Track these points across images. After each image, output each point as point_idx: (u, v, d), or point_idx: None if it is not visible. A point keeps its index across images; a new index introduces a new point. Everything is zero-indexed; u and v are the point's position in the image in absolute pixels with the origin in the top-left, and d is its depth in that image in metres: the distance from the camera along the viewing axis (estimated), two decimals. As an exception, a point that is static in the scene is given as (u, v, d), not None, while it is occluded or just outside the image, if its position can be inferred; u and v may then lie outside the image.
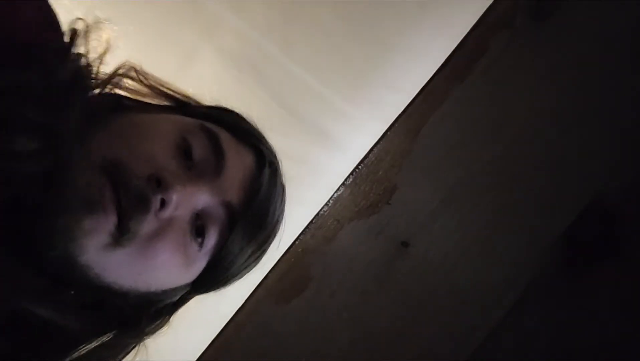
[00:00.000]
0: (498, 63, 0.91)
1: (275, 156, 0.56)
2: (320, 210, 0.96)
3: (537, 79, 0.92)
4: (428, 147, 0.94)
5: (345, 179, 0.95)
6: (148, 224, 0.42)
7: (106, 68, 0.51)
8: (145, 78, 0.54)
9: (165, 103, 0.54)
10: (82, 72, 0.46)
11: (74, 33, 0.47)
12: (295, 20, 0.89)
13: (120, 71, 0.52)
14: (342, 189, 0.95)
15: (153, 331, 0.51)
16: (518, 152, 0.94)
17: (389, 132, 0.94)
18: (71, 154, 0.40)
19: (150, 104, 0.53)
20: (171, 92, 0.55)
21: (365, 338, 0.99)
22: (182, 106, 0.54)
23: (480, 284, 0.97)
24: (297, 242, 0.97)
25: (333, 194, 0.96)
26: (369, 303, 0.98)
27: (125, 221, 0.41)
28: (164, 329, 0.52)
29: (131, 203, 0.41)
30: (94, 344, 0.45)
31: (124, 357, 0.49)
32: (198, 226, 0.46)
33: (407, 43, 0.91)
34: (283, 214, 0.55)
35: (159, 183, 0.42)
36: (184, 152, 0.46)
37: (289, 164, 0.97)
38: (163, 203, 0.42)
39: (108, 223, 0.40)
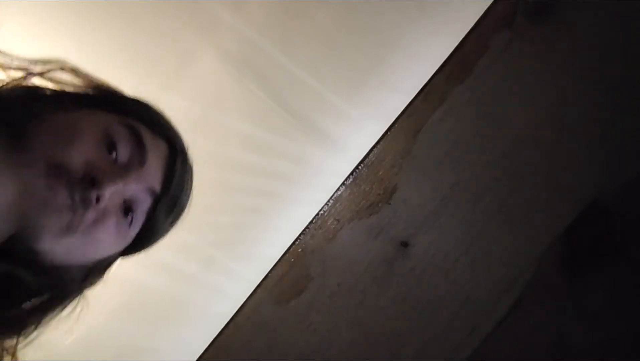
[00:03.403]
0: (498, 63, 0.91)
1: (183, 143, 0.65)
2: (320, 210, 0.96)
3: (536, 79, 0.92)
4: (428, 147, 0.94)
5: (345, 179, 0.95)
6: (88, 216, 0.52)
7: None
8: (72, 70, 0.62)
9: (86, 95, 0.62)
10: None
11: None
12: (295, 21, 0.89)
13: (45, 67, 0.60)
14: (342, 189, 0.95)
15: (90, 286, 0.61)
16: (518, 152, 0.94)
17: (389, 132, 0.94)
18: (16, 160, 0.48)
19: (72, 100, 0.60)
20: (93, 85, 0.63)
21: (365, 338, 0.99)
22: (102, 100, 0.62)
23: (480, 284, 0.97)
24: (297, 242, 0.97)
25: (333, 194, 0.96)
26: (368, 303, 0.98)
27: (72, 217, 0.51)
28: (99, 284, 0.62)
29: (75, 202, 0.50)
30: (40, 300, 0.56)
31: (64, 309, 0.59)
32: (126, 207, 0.56)
33: (407, 43, 0.91)
34: (192, 189, 0.66)
35: (93, 181, 0.51)
36: (110, 147, 0.55)
37: (289, 164, 0.98)
38: (98, 199, 0.52)
39: (61, 219, 0.50)
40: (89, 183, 0.51)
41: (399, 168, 0.94)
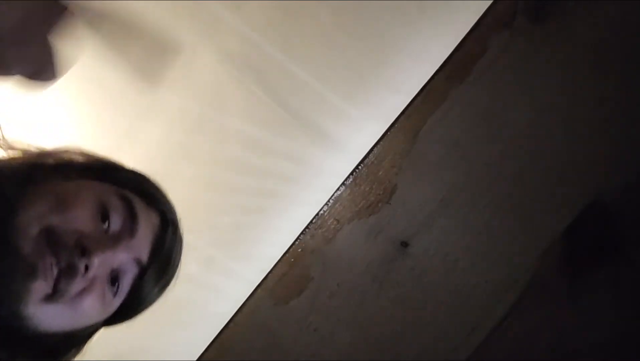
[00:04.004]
0: (497, 63, 0.91)
1: (175, 215, 0.66)
2: (320, 210, 0.96)
3: (536, 79, 0.92)
4: (428, 148, 0.94)
5: (345, 179, 0.95)
6: (76, 285, 0.52)
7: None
8: (72, 152, 0.64)
9: (85, 166, 0.64)
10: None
11: None
12: (295, 21, 0.89)
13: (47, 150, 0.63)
14: (342, 189, 0.96)
15: (71, 355, 0.61)
16: (518, 152, 0.94)
17: (389, 132, 0.94)
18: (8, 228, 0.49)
19: (71, 170, 0.62)
20: (93, 159, 0.65)
21: (365, 338, 1.00)
22: (100, 171, 0.63)
23: (480, 284, 0.97)
24: (297, 242, 0.97)
25: (333, 194, 0.96)
26: (368, 303, 0.98)
27: (59, 284, 0.51)
28: (78, 356, 0.62)
29: (63, 269, 0.51)
30: None
31: None
32: (113, 277, 0.57)
33: (407, 43, 0.91)
34: (180, 259, 0.67)
35: (83, 251, 0.52)
36: (103, 217, 0.56)
37: (289, 164, 0.98)
38: (87, 268, 0.52)
39: (48, 285, 0.50)
40: (79, 251, 0.52)
41: (399, 168, 0.94)
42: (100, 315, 0.58)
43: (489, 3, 0.90)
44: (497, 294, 0.97)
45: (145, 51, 0.82)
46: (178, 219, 0.67)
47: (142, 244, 0.59)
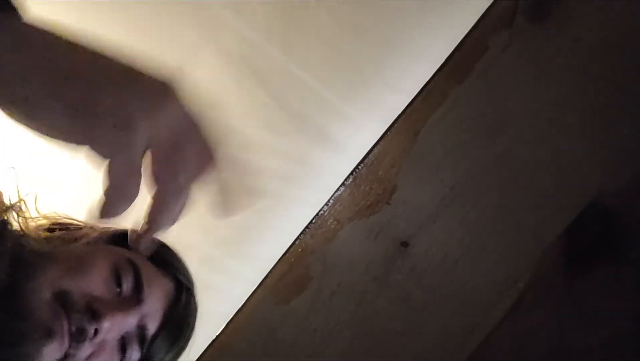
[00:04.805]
0: (497, 63, 0.91)
1: (191, 282, 0.67)
2: (320, 210, 0.96)
3: (536, 80, 0.92)
4: (428, 148, 0.94)
5: (345, 179, 0.95)
6: (84, 350, 0.53)
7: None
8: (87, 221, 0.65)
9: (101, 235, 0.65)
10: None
11: None
12: (295, 21, 0.89)
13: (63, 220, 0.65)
14: (342, 189, 0.96)
15: None
16: (518, 152, 0.94)
17: (389, 132, 0.94)
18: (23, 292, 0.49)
19: (86, 235, 0.63)
20: (106, 229, 0.65)
21: (365, 338, 1.00)
22: (115, 236, 0.64)
23: (480, 284, 0.97)
24: (297, 242, 0.97)
25: (333, 194, 0.96)
26: (368, 303, 0.98)
27: (69, 348, 0.51)
28: None
29: (73, 333, 0.51)
30: None
31: None
32: (123, 344, 0.57)
33: (407, 43, 0.91)
34: (195, 325, 0.68)
35: (93, 314, 0.52)
36: (117, 280, 0.57)
37: (289, 165, 0.98)
38: (96, 331, 0.53)
39: (61, 348, 0.50)
40: (89, 315, 0.52)
41: (399, 168, 0.94)
42: None
43: (489, 3, 0.90)
44: (497, 294, 0.97)
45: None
46: (194, 287, 0.67)
47: (152, 311, 0.60)
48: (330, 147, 0.95)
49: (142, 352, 0.59)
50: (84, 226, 0.65)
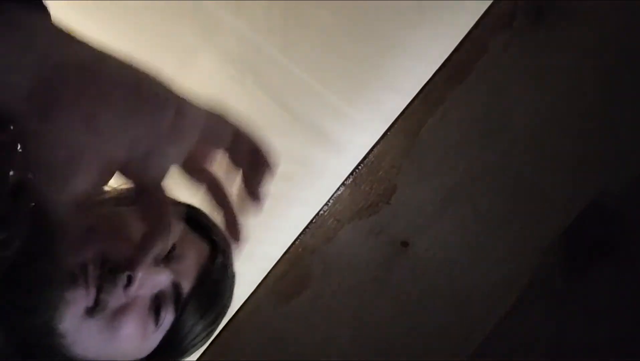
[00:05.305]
0: (497, 64, 0.91)
1: (228, 246, 0.64)
2: (320, 210, 0.96)
3: (536, 80, 0.92)
4: (428, 148, 0.94)
5: (345, 179, 0.95)
6: (116, 298, 0.50)
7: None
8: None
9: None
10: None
11: None
12: (295, 21, 0.89)
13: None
14: (342, 189, 0.96)
15: None
16: (518, 153, 0.94)
17: (389, 132, 0.94)
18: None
19: (125, 198, 0.61)
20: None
21: (365, 338, 1.00)
22: None
23: (480, 284, 0.97)
24: (297, 242, 0.97)
25: (333, 194, 0.96)
26: (368, 303, 0.98)
27: (100, 294, 0.49)
28: None
29: (105, 276, 0.49)
30: None
31: None
32: (156, 305, 0.55)
33: (407, 43, 0.91)
34: (232, 298, 0.66)
35: (127, 263, 0.50)
36: None
37: (289, 165, 0.98)
38: (130, 280, 0.50)
39: (89, 296, 0.48)
40: (124, 263, 0.50)
41: (398, 168, 0.95)
42: (140, 346, 0.55)
43: (489, 3, 0.90)
44: (497, 294, 0.97)
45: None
46: (230, 251, 0.65)
47: (187, 268, 0.58)
48: (330, 148, 0.95)
49: (176, 313, 0.56)
50: (112, 189, 0.62)
